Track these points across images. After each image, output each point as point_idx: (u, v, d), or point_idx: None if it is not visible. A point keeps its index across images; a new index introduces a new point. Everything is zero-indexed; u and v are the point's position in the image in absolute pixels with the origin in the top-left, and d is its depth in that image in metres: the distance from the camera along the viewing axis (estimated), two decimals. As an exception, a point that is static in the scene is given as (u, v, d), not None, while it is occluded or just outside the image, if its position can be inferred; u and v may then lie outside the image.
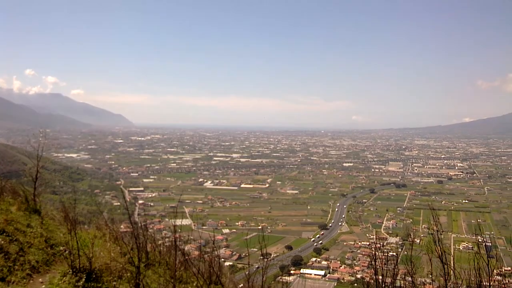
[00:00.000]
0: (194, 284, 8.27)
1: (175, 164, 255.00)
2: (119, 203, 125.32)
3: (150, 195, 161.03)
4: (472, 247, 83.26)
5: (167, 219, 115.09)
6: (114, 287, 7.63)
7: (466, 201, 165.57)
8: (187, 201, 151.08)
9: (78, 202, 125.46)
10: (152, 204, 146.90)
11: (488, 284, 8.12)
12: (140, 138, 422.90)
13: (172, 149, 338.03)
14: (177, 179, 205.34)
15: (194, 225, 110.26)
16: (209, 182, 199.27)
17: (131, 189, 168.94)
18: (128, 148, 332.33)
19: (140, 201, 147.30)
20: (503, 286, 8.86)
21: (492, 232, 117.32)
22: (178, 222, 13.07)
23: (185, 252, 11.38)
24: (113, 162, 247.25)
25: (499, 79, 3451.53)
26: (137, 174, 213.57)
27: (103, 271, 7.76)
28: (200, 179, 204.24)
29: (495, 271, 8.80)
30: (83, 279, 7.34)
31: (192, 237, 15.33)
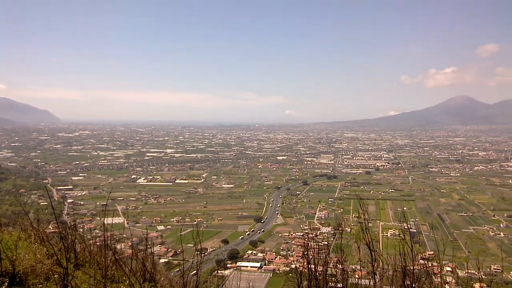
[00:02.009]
0: (127, 283, 8.04)
1: (106, 161, 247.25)
2: (46, 203, 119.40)
3: (80, 194, 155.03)
4: (398, 234, 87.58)
5: (98, 218, 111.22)
6: (41, 290, 7.27)
7: (393, 190, 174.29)
8: (119, 198, 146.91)
9: (1, 202, 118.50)
10: (82, 202, 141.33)
11: (412, 268, 8.56)
12: (67, 135, 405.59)
13: (103, 146, 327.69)
14: (109, 176, 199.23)
15: (127, 223, 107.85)
16: (143, 178, 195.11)
17: (59, 187, 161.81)
18: (55, 145, 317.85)
19: (69, 200, 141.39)
20: (426, 269, 9.36)
21: (417, 219, 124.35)
22: (110, 220, 12.68)
23: (118, 251, 11.05)
24: (39, 160, 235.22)
25: (422, 75, 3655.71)
26: (65, 172, 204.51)
27: (28, 274, 7.38)
28: (133, 176, 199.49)
29: (419, 255, 9.29)
30: (6, 283, 6.93)
31: (125, 235, 14.93)
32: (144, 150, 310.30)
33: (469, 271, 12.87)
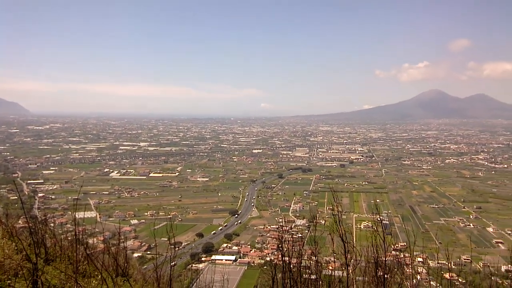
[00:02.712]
0: (99, 278, 7.93)
1: (77, 154, 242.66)
2: (16, 197, 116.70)
3: (51, 188, 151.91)
4: (372, 226, 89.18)
5: (70, 212, 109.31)
6: (9, 285, 7.10)
7: (366, 183, 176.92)
8: (92, 192, 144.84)
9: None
10: (53, 197, 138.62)
11: (384, 259, 8.69)
12: (38, 127, 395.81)
13: (74, 139, 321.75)
14: (81, 169, 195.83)
15: (99, 217, 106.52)
16: (116, 172, 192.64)
17: (29, 181, 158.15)
18: (25, 138, 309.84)
19: (40, 194, 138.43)
20: (398, 260, 9.52)
21: (390, 211, 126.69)
22: (82, 214, 12.45)
23: (89, 245, 10.90)
24: (8, 154, 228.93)
25: (395, 69, 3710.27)
26: (35, 166, 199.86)
27: (-4, 270, 7.19)
28: (106, 169, 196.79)
29: (391, 247, 9.44)
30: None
31: (97, 230, 14.72)
32: (117, 143, 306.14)
33: (440, 261, 13.18)
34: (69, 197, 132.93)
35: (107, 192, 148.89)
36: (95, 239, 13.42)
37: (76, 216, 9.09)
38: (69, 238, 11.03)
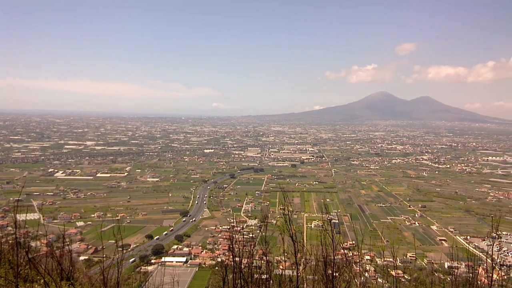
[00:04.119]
0: (41, 282, 7.60)
1: (20, 154, 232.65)
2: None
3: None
4: (322, 225, 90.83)
5: (11, 214, 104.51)
6: None
7: (317, 182, 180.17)
8: (35, 193, 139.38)
9: None
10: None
11: (333, 257, 8.85)
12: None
13: (16, 137, 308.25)
14: (23, 169, 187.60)
15: (43, 219, 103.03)
16: (61, 172, 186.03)
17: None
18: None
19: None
20: (347, 258, 9.71)
21: (339, 210, 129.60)
22: (24, 217, 11.92)
23: (32, 249, 10.45)
24: None
25: (345, 71, 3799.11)
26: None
27: None
28: (50, 169, 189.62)
29: (340, 245, 9.61)
30: None
31: (41, 233, 14.11)
32: (62, 142, 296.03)
33: (387, 259, 13.58)
34: (11, 198, 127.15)
35: (52, 193, 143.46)
36: (38, 242, 12.93)
37: (18, 218, 8.73)
38: (10, 241, 10.58)
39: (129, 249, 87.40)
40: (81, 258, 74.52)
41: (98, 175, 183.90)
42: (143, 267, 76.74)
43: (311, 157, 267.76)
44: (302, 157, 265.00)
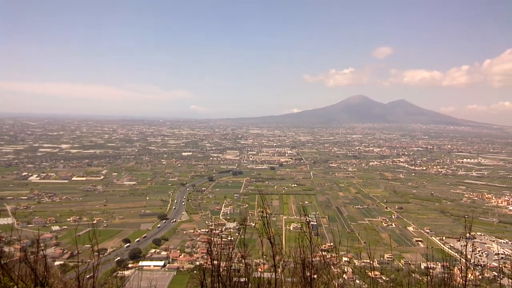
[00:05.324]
0: (14, 289, 7.42)
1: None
2: None
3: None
4: (300, 227, 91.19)
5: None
6: None
7: (295, 185, 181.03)
8: (8, 197, 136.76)
9: None
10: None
11: (311, 259, 8.87)
12: None
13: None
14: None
15: (17, 224, 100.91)
16: (35, 175, 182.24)
17: None
18: None
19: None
20: (325, 260, 9.75)
21: (317, 212, 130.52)
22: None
23: (5, 254, 10.19)
24: None
25: (323, 74, 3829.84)
26: None
27: None
28: (24, 173, 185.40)
29: (319, 247, 9.65)
30: None
31: (14, 238, 13.80)
32: (37, 145, 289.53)
33: (364, 260, 13.71)
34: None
35: (26, 197, 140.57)
36: (11, 247, 12.59)
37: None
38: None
39: (106, 254, 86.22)
40: (57, 263, 73.14)
41: (73, 178, 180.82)
42: (120, 272, 75.69)
43: (289, 159, 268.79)
44: (281, 159, 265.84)
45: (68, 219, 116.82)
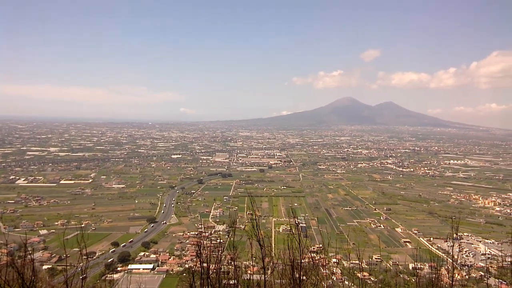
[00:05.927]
0: (2, 294, 7.36)
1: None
2: None
3: None
4: (290, 229, 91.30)
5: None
6: None
7: (285, 187, 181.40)
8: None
9: None
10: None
11: (300, 261, 8.93)
12: None
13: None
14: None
15: (4, 228, 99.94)
16: (23, 179, 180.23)
17: None
18: None
19: None
20: (314, 261, 9.81)
21: (307, 214, 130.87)
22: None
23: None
24: None
25: (311, 77, 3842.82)
26: None
27: None
28: (12, 176, 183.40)
29: (308, 249, 9.71)
30: None
31: (1, 242, 13.69)
32: (24, 148, 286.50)
33: (353, 261, 13.79)
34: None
35: (13, 201, 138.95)
36: (-2, 251, 12.48)
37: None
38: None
39: (94, 257, 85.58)
40: (44, 267, 72.41)
41: (61, 182, 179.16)
42: (109, 275, 75.11)
43: (279, 162, 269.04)
44: (270, 162, 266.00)
45: (56, 223, 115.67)
